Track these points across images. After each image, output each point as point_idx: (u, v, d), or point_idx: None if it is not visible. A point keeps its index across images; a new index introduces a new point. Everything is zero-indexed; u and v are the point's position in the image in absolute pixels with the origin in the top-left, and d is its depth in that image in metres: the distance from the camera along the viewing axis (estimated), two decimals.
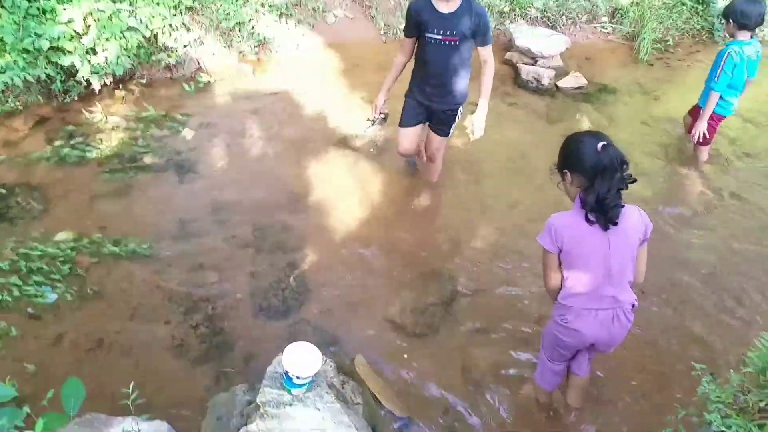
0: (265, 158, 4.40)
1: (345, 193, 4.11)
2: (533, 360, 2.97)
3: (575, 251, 2.26)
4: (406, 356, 3.07)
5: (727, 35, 4.55)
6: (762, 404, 2.16)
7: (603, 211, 2.13)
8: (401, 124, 3.72)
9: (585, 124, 5.10)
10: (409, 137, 3.74)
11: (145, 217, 3.77)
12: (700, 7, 6.97)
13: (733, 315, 3.39)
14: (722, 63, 4.11)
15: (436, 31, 3.27)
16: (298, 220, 3.88)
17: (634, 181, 2.20)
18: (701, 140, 4.46)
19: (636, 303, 2.36)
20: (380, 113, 3.72)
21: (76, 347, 2.97)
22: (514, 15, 6.43)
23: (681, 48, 6.69)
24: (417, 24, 3.32)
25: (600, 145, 2.11)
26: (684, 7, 6.90)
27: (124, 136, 4.40)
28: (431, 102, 3.57)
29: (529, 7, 6.46)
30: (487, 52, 3.44)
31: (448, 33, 3.26)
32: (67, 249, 3.42)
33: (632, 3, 6.75)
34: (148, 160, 4.22)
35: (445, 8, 3.22)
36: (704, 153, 4.68)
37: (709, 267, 3.71)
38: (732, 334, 3.24)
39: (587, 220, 2.18)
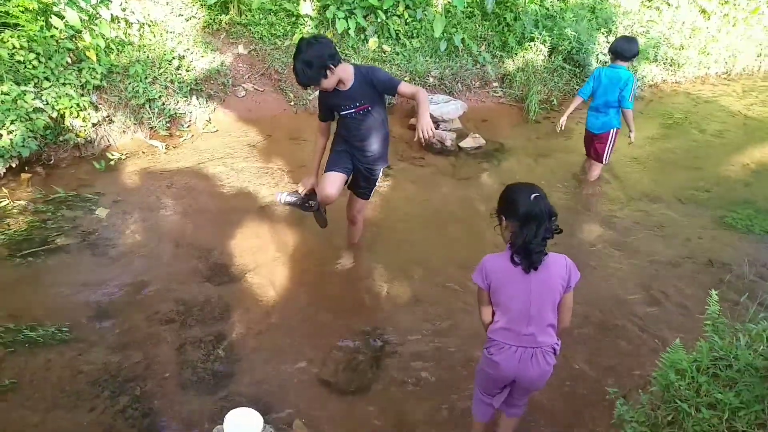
0: (183, 231, 4.39)
1: (267, 260, 4.17)
2: (467, 403, 3.12)
3: (500, 289, 2.45)
4: (344, 415, 3.12)
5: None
6: (669, 418, 2.41)
7: (527, 255, 2.34)
8: (327, 169, 3.76)
9: (486, 179, 5.51)
10: (335, 182, 3.72)
11: (61, 301, 3.64)
12: (577, 69, 7.80)
13: (636, 342, 3.72)
14: (633, 88, 4.99)
15: (348, 107, 3.53)
16: (222, 291, 3.88)
17: (560, 231, 2.41)
18: (608, 159, 5.39)
19: (557, 347, 2.53)
20: (309, 200, 3.82)
21: None
22: (415, 83, 6.89)
23: (564, 107, 7.37)
24: (330, 108, 3.60)
25: (533, 195, 2.33)
26: (564, 71, 7.69)
27: (34, 219, 4.27)
28: (355, 157, 3.75)
29: (428, 75, 6.97)
30: (405, 89, 3.49)
31: (357, 104, 3.52)
32: None
33: (518, 69, 7.45)
34: (60, 241, 4.10)
35: (343, 87, 3.48)
36: (598, 170, 5.49)
37: (607, 302, 4.06)
38: (637, 360, 3.55)
39: (512, 261, 2.38)
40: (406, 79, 6.86)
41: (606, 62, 7.86)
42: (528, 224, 2.31)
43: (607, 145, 5.29)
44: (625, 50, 4.99)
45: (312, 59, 3.21)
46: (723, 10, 9.55)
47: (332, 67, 3.28)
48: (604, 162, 5.42)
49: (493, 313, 2.55)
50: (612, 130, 5.21)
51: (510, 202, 2.42)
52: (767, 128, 7.38)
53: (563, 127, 5.44)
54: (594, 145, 5.37)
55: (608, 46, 7.83)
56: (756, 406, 2.24)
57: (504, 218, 2.45)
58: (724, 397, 2.29)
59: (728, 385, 2.41)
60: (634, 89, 5.00)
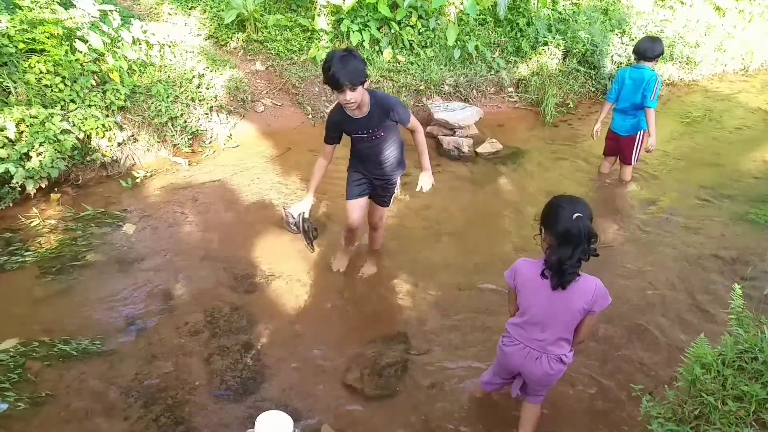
0: (208, 244, 4.49)
1: (291, 269, 4.24)
2: (493, 407, 3.16)
3: (523, 294, 2.52)
4: (370, 420, 3.15)
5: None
6: (696, 412, 2.41)
7: (559, 274, 2.34)
8: (349, 198, 3.87)
9: (504, 184, 5.54)
10: (357, 209, 3.88)
11: (93, 315, 3.75)
12: (592, 72, 7.80)
13: (662, 339, 3.71)
14: (656, 86, 4.91)
15: (360, 132, 3.57)
16: (247, 301, 3.96)
17: (597, 255, 2.38)
18: (637, 160, 5.40)
19: (565, 358, 2.55)
20: (309, 229, 3.80)
21: None
22: (430, 92, 6.96)
23: (581, 109, 7.42)
24: (341, 132, 3.61)
25: (575, 215, 2.28)
26: (579, 73, 7.69)
27: (64, 237, 4.40)
28: (372, 175, 3.80)
29: (442, 84, 7.03)
30: (411, 125, 3.65)
31: (370, 131, 3.54)
32: (16, 355, 3.35)
33: (533, 73, 7.47)
34: (90, 258, 4.22)
35: (359, 114, 3.47)
36: (628, 171, 5.48)
37: (633, 300, 4.05)
38: (664, 357, 3.55)
39: (543, 274, 2.40)
40: (421, 88, 6.93)
41: (621, 63, 7.86)
42: (564, 244, 2.28)
43: (635, 147, 5.28)
44: (647, 50, 4.97)
45: (362, 61, 3.22)
46: (738, 7, 9.49)
47: (365, 79, 3.28)
48: (633, 163, 5.41)
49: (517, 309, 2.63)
50: (640, 132, 5.19)
51: (551, 215, 2.38)
52: None
53: (598, 134, 5.47)
54: (620, 146, 5.36)
55: (622, 47, 7.89)
56: None
57: (544, 230, 2.43)
58: (751, 389, 2.29)
59: (754, 377, 2.41)
60: (657, 88, 4.94)
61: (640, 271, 4.37)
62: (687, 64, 8.71)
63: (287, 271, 4.23)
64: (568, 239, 2.28)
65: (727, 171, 5.95)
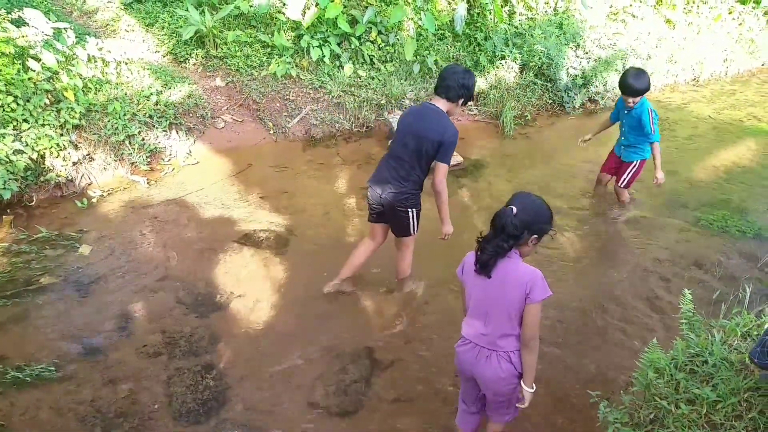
0: (167, 263, 4.42)
1: (252, 288, 4.20)
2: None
3: (466, 283, 2.57)
4: None
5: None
6: (651, 416, 2.47)
7: (480, 252, 2.43)
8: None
9: (466, 196, 5.61)
10: None
11: (47, 339, 3.65)
12: (549, 84, 7.96)
13: (619, 345, 3.79)
14: (650, 119, 4.86)
15: None
16: (208, 320, 3.90)
17: (510, 247, 2.39)
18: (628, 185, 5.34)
19: (513, 356, 2.50)
20: None
21: None
22: (391, 106, 7.01)
23: (538, 121, 7.56)
24: None
25: (509, 206, 2.42)
26: (536, 86, 7.84)
27: (17, 260, 4.28)
28: None
29: (403, 98, 7.10)
30: None
31: None
32: None
33: (491, 86, 7.60)
34: (44, 281, 4.11)
35: None
36: (626, 194, 5.45)
37: (589, 306, 4.14)
38: (620, 362, 3.61)
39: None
40: (382, 102, 6.98)
41: (576, 76, 8.05)
42: (491, 228, 2.42)
43: None
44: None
45: None
46: (687, 19, 9.83)
47: None
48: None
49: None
50: None
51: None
52: (737, 131, 7.57)
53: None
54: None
55: (577, 60, 8.08)
56: (732, 398, 2.31)
57: None
58: (702, 392, 2.36)
59: (705, 380, 2.48)
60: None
61: (595, 277, 4.46)
62: None
63: (249, 290, 4.19)
64: (493, 224, 2.41)
65: (681, 178, 6.13)
